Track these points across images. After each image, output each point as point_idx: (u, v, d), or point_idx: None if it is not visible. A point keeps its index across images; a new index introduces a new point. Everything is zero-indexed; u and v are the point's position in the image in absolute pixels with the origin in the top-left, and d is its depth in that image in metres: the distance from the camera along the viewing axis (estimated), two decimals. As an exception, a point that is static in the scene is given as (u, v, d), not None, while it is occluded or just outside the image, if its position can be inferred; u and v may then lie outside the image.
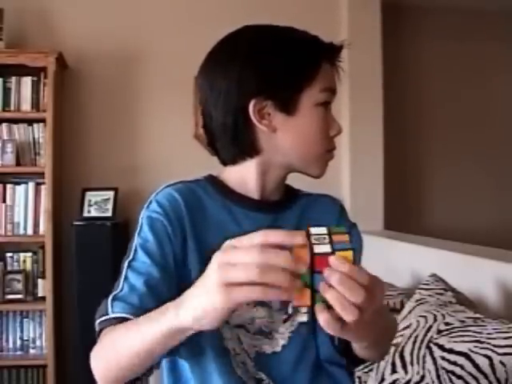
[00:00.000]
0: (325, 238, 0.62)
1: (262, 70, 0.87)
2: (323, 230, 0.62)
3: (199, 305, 0.65)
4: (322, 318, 0.62)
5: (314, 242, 0.61)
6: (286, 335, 0.91)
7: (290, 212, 0.97)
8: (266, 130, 0.89)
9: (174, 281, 0.88)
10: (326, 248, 0.61)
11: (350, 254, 0.61)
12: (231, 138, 0.90)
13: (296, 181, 1.02)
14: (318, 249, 0.61)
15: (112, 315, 0.83)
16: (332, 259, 0.61)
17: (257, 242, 0.61)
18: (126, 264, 0.89)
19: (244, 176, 0.94)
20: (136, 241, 0.90)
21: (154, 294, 0.84)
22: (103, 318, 0.84)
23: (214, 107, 0.90)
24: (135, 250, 0.89)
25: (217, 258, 0.63)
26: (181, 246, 0.90)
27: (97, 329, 0.85)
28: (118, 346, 0.78)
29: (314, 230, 0.62)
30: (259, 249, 0.60)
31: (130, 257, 0.89)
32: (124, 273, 0.88)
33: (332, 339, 0.93)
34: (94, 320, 0.86)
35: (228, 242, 0.64)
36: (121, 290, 0.86)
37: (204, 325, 0.66)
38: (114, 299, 0.85)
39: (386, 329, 0.85)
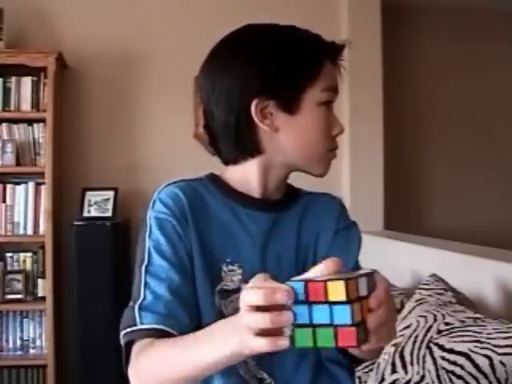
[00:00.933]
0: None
1: (264, 70, 0.87)
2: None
3: (227, 348, 0.68)
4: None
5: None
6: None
7: (291, 211, 0.97)
8: (268, 129, 0.89)
9: (192, 281, 0.88)
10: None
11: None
12: (233, 138, 0.90)
13: (296, 181, 1.02)
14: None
15: (140, 326, 0.82)
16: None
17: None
18: (143, 269, 0.88)
19: (246, 175, 0.94)
20: (148, 244, 0.89)
21: (179, 299, 0.84)
22: (130, 330, 0.83)
23: (216, 107, 0.90)
24: (149, 254, 0.88)
25: (242, 301, 0.64)
26: (190, 245, 0.90)
27: (123, 340, 0.84)
28: (165, 364, 0.77)
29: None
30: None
31: (146, 261, 0.88)
32: (143, 279, 0.87)
33: None
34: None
35: (252, 282, 0.65)
36: (144, 299, 0.85)
37: (232, 362, 0.71)
38: (140, 309, 0.84)
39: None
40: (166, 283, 0.85)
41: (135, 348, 0.83)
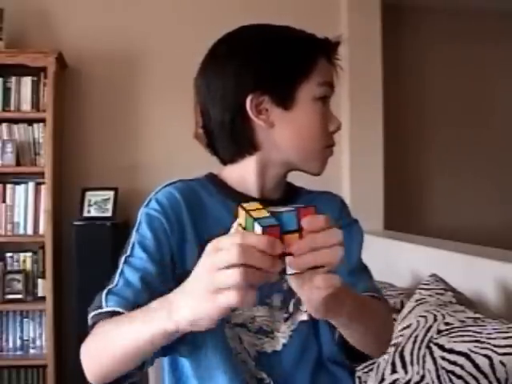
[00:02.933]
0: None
1: (258, 66, 0.88)
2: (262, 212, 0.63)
3: (191, 310, 0.64)
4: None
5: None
6: (286, 334, 0.91)
7: None
8: (264, 125, 0.89)
9: (170, 279, 0.88)
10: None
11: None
12: (229, 135, 0.90)
13: (296, 181, 1.02)
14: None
15: (105, 309, 0.83)
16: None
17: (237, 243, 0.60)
18: (122, 259, 0.89)
19: (243, 174, 0.94)
20: (134, 237, 0.91)
21: (149, 290, 0.84)
22: (96, 312, 0.84)
23: (212, 106, 0.90)
24: (132, 246, 0.90)
25: (202, 262, 0.63)
26: (178, 246, 0.90)
27: (90, 322, 0.85)
28: (108, 341, 0.77)
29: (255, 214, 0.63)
30: (240, 247, 0.59)
31: (128, 252, 0.89)
32: (120, 268, 0.88)
33: (333, 337, 0.92)
34: (89, 310, 0.86)
35: (210, 245, 0.63)
36: (116, 285, 0.86)
37: (200, 327, 0.65)
38: (108, 293, 0.85)
39: (363, 306, 0.82)
40: (141, 273, 0.86)
41: (94, 328, 0.82)
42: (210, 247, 0.62)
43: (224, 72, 0.89)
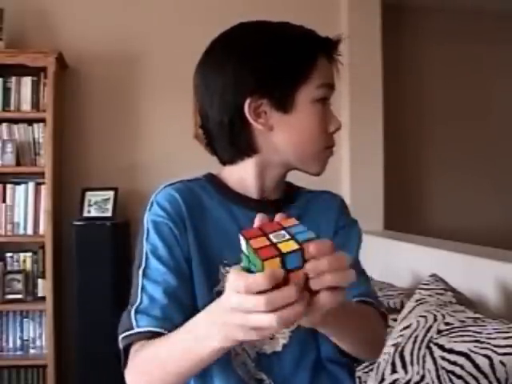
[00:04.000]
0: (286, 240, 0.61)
1: (256, 68, 0.86)
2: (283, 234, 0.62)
3: (231, 333, 0.65)
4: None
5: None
6: (286, 334, 0.91)
7: (290, 210, 0.95)
8: (263, 128, 0.88)
9: (190, 284, 0.88)
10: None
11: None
12: (228, 138, 0.89)
13: (296, 180, 1.02)
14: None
15: (137, 330, 0.82)
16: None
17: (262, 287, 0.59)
18: (140, 273, 0.88)
19: (243, 175, 0.94)
20: (145, 247, 0.89)
21: (175, 303, 0.84)
22: (128, 333, 0.83)
23: (210, 107, 0.89)
24: (146, 257, 0.88)
25: (228, 300, 0.62)
26: (187, 247, 0.90)
27: (121, 343, 0.84)
28: (160, 363, 0.78)
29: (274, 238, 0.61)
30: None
31: (143, 265, 0.88)
32: (140, 283, 0.87)
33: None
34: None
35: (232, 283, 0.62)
36: (141, 303, 0.85)
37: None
38: (136, 312, 0.84)
39: (351, 314, 0.81)
40: (162, 287, 0.85)
41: (132, 351, 0.83)
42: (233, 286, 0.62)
43: (222, 73, 0.88)
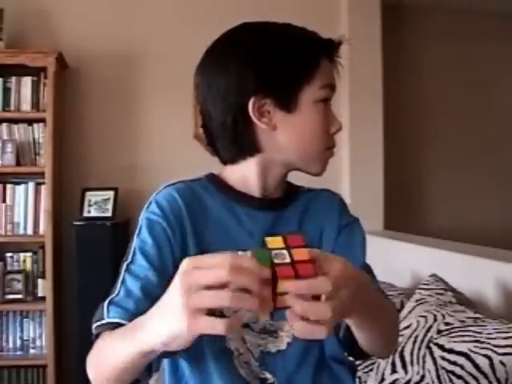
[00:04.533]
0: (281, 249, 0.61)
1: (260, 68, 0.87)
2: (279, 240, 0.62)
3: (164, 331, 0.63)
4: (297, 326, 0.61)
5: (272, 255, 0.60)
6: (290, 333, 0.91)
7: (291, 209, 0.96)
8: (266, 128, 0.88)
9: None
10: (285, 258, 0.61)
11: (305, 251, 0.61)
12: (231, 137, 0.90)
13: (296, 179, 1.02)
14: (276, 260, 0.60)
15: (107, 320, 0.83)
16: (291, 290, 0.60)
17: (222, 263, 0.59)
18: (124, 266, 0.88)
19: (245, 175, 0.94)
20: (135, 243, 0.90)
21: (151, 300, 0.83)
22: (99, 323, 0.84)
23: (213, 106, 0.89)
24: (134, 253, 0.89)
25: (180, 281, 0.60)
26: (181, 249, 0.89)
27: (94, 333, 0.85)
28: (105, 357, 0.78)
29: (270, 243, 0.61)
30: (227, 268, 0.58)
31: (129, 259, 0.88)
32: (122, 276, 0.87)
33: (337, 335, 0.92)
34: (92, 321, 0.86)
35: (188, 262, 0.61)
36: (117, 295, 0.85)
37: (173, 348, 0.65)
38: (110, 303, 0.84)
39: (376, 305, 0.81)
40: (142, 282, 0.85)
41: (97, 340, 0.83)
42: (186, 264, 0.61)
43: (225, 72, 0.88)
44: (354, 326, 0.80)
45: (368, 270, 0.97)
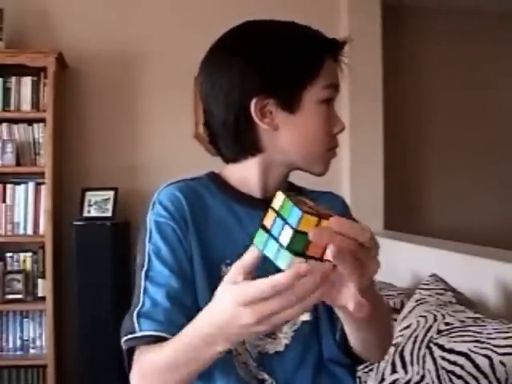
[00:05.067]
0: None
1: (263, 68, 0.86)
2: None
3: (238, 339, 0.71)
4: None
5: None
6: (289, 334, 0.91)
7: None
8: (268, 128, 0.88)
9: (193, 286, 0.88)
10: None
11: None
12: (233, 137, 0.89)
13: (297, 180, 1.02)
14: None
15: (140, 333, 0.83)
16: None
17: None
18: (142, 275, 0.87)
19: (246, 174, 0.93)
20: (148, 248, 0.89)
21: (178, 306, 0.84)
22: (130, 336, 0.83)
23: (216, 105, 0.89)
24: (149, 259, 0.88)
25: (234, 297, 0.65)
26: (190, 247, 0.90)
27: (124, 346, 0.84)
28: (166, 369, 0.79)
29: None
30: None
31: (145, 266, 0.88)
32: (143, 285, 0.87)
33: (334, 337, 0.92)
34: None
35: (241, 298, 0.64)
36: (143, 305, 0.85)
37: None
38: (139, 315, 0.84)
39: (378, 308, 0.81)
40: (165, 290, 0.85)
41: (136, 354, 0.83)
42: (241, 301, 0.64)
43: (228, 71, 0.87)
44: (351, 325, 0.80)
45: None
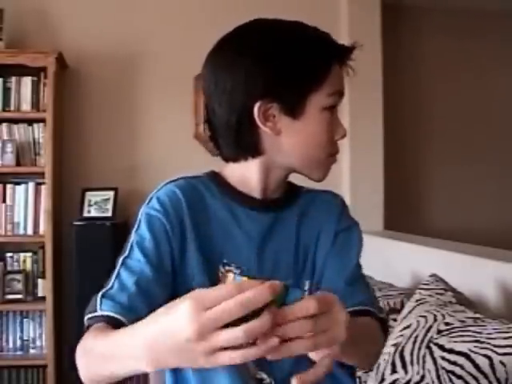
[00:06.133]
0: None
1: (269, 71, 0.85)
2: None
3: (173, 364, 0.62)
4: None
5: None
6: None
7: (290, 210, 0.96)
8: (270, 132, 0.87)
9: (168, 281, 0.88)
10: None
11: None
12: (234, 137, 0.89)
13: (296, 179, 1.02)
14: None
15: (100, 313, 0.83)
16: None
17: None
18: (120, 260, 0.88)
19: (246, 175, 0.93)
20: (133, 237, 0.90)
21: (145, 295, 0.84)
22: (91, 315, 0.84)
23: (218, 104, 0.88)
24: (131, 247, 0.89)
25: (191, 324, 0.57)
26: (179, 246, 0.89)
27: (85, 324, 0.84)
28: (94, 355, 0.76)
29: None
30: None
31: (126, 253, 0.89)
32: (117, 270, 0.88)
33: None
34: (85, 312, 0.86)
35: (194, 301, 0.57)
36: (111, 288, 0.85)
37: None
38: (103, 296, 0.85)
39: (357, 334, 0.78)
40: (137, 277, 0.85)
41: (90, 330, 0.82)
42: (194, 303, 0.57)
43: (233, 72, 0.86)
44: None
45: (361, 275, 0.97)
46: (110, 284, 0.86)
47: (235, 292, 0.56)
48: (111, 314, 0.82)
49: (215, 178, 0.97)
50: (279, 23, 0.90)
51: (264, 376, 0.90)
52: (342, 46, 0.90)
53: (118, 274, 0.87)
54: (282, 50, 0.86)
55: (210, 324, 0.56)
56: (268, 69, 0.85)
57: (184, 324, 0.57)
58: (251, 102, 0.85)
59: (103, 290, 0.86)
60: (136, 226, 0.91)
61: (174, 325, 0.59)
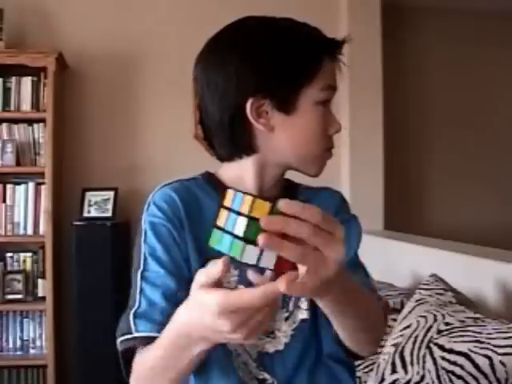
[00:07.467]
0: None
1: (261, 68, 0.85)
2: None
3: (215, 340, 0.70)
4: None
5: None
6: (288, 333, 0.91)
7: None
8: (264, 129, 0.87)
9: (189, 285, 0.88)
10: None
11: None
12: (228, 136, 0.88)
13: (296, 177, 1.01)
14: None
15: (136, 334, 0.82)
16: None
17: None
18: (138, 275, 0.87)
19: (241, 174, 0.93)
20: (143, 249, 0.89)
21: (175, 306, 0.83)
22: (126, 337, 0.83)
23: (211, 103, 0.88)
24: (145, 260, 0.88)
25: (216, 309, 0.64)
26: (186, 246, 0.89)
27: (119, 347, 0.84)
28: (155, 371, 0.79)
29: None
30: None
31: (141, 267, 0.88)
32: (139, 285, 0.86)
33: (332, 332, 0.92)
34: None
35: (222, 305, 0.64)
36: (139, 306, 0.84)
37: None
38: (135, 316, 0.84)
39: (354, 291, 0.78)
40: (161, 290, 0.85)
41: (136, 356, 0.83)
42: (222, 306, 0.64)
43: (224, 70, 0.86)
44: (328, 312, 0.78)
45: (360, 265, 0.97)
46: (137, 302, 0.85)
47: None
48: (151, 334, 0.81)
49: (210, 178, 0.96)
50: (268, 20, 0.90)
51: (267, 376, 0.90)
52: (331, 39, 0.89)
53: (142, 290, 0.86)
54: (272, 45, 0.86)
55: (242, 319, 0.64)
56: (258, 65, 0.85)
57: (208, 312, 0.65)
58: (243, 100, 0.85)
59: (133, 310, 0.85)
60: (143, 237, 0.90)
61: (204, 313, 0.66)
